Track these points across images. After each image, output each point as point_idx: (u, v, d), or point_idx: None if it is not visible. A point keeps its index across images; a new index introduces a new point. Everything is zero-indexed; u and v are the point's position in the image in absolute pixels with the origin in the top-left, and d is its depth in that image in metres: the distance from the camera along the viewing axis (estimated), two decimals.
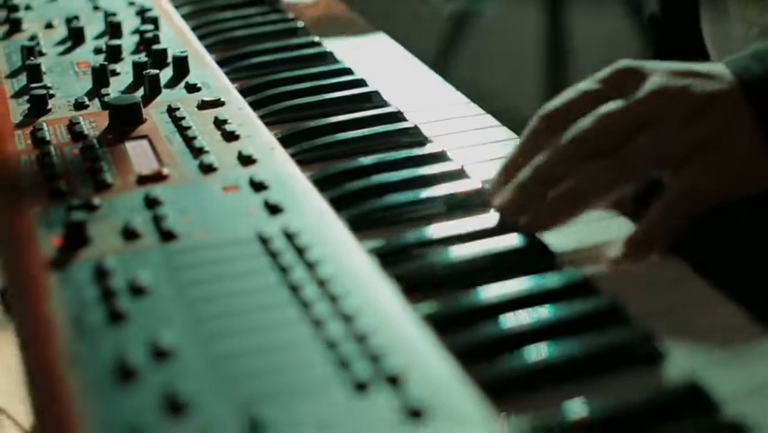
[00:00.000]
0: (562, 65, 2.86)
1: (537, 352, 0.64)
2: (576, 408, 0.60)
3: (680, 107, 0.77)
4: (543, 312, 0.68)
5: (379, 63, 1.17)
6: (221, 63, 1.15)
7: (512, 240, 0.77)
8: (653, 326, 0.67)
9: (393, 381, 0.59)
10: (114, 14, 1.23)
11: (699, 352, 0.65)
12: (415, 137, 0.96)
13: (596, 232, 0.79)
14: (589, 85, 0.82)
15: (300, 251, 0.72)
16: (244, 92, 1.06)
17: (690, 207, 0.76)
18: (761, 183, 0.79)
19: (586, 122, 0.78)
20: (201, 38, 1.22)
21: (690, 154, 0.76)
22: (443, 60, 2.91)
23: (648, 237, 0.76)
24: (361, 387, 0.58)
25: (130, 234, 0.75)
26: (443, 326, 0.66)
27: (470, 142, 0.96)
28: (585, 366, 0.64)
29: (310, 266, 0.70)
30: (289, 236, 0.73)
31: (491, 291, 0.70)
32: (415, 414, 0.56)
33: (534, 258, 0.76)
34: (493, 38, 3.04)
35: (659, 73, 0.79)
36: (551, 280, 0.72)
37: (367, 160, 0.90)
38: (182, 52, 1.07)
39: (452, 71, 2.89)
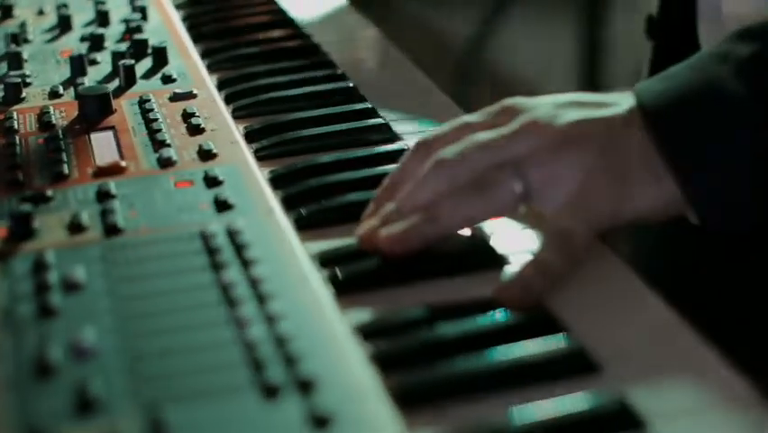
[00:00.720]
0: (597, 67, 2.83)
1: (461, 361, 0.63)
2: (497, 420, 0.58)
3: (546, 139, 0.74)
4: (471, 321, 0.67)
5: (369, 61, 1.16)
6: (206, 54, 1.14)
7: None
8: (590, 338, 0.66)
9: (305, 386, 0.58)
10: (103, 2, 1.23)
11: (633, 367, 0.64)
12: (384, 134, 0.95)
13: None
14: (472, 117, 0.80)
15: (239, 249, 0.71)
16: (222, 84, 1.06)
17: (565, 244, 0.73)
18: (655, 210, 0.75)
19: (451, 147, 0.76)
20: (191, 28, 1.22)
21: (557, 187, 0.74)
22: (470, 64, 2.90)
23: (533, 280, 0.71)
24: (271, 392, 0.58)
25: (75, 228, 0.75)
26: (373, 334, 0.66)
27: None
28: (510, 378, 0.63)
29: (245, 265, 0.69)
30: (231, 234, 0.73)
31: (425, 306, 0.69)
32: (320, 422, 0.56)
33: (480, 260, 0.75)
34: (528, 39, 3.01)
35: (539, 107, 0.77)
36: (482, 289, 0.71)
37: (327, 157, 0.89)
38: (161, 43, 1.07)
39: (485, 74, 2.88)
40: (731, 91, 0.72)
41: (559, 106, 0.77)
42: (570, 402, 0.60)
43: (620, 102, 0.76)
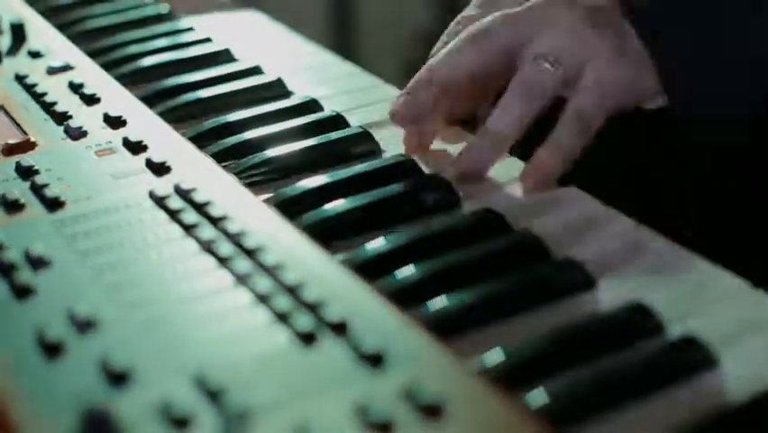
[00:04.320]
0: None
1: (462, 293, 0.62)
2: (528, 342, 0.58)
3: (569, 18, 0.77)
4: (459, 252, 0.66)
5: (255, 38, 1.12)
6: (60, 27, 1.09)
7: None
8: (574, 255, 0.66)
9: (339, 328, 0.56)
10: None
11: (629, 277, 0.64)
12: (278, 90, 0.93)
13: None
14: (467, 12, 0.82)
15: (201, 208, 0.68)
16: (92, 54, 1.01)
17: (584, 124, 0.75)
18: (651, 95, 0.79)
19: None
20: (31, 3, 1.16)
21: (582, 66, 0.76)
22: None
23: (549, 162, 0.74)
24: (308, 338, 0.56)
25: (12, 206, 0.70)
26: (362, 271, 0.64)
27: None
28: (518, 301, 0.62)
29: (216, 223, 0.66)
30: (185, 194, 0.70)
31: (405, 235, 0.68)
32: (374, 360, 0.54)
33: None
34: None
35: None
36: (460, 218, 0.71)
37: (240, 114, 0.86)
38: (18, 19, 1.02)
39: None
40: None
41: None
42: (584, 316, 0.60)
43: None
